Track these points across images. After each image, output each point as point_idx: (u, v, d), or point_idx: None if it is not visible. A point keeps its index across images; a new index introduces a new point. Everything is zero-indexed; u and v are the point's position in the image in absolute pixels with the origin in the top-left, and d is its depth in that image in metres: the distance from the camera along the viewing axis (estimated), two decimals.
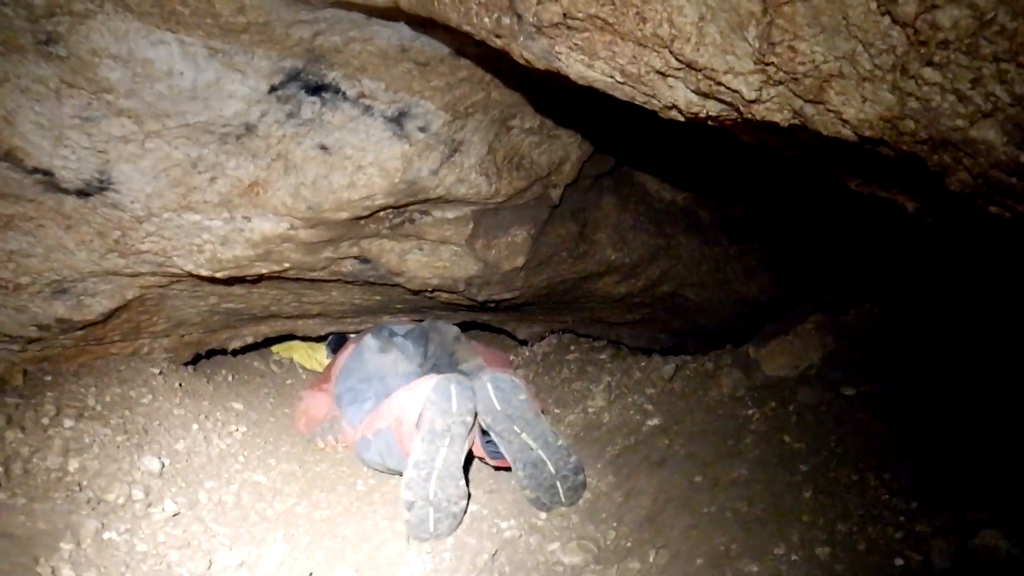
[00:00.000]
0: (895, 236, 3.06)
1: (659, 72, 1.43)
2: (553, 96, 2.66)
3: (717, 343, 4.43)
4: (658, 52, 1.39)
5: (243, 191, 2.55)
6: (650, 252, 3.56)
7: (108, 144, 2.31)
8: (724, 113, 1.47)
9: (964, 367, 2.55)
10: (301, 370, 4.68)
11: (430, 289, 3.27)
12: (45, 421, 2.64)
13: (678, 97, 1.47)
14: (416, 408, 2.71)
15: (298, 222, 2.68)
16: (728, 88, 1.35)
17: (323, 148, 2.50)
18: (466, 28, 1.73)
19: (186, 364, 3.85)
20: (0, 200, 2.42)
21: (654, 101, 1.53)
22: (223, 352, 4.07)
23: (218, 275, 2.84)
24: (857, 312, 2.85)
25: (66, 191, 2.43)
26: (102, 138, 2.29)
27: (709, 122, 1.55)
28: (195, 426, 3.16)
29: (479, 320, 4.15)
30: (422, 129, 2.54)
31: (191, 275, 2.86)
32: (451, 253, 3.10)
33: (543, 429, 2.72)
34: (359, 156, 2.53)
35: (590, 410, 3.30)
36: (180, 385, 3.43)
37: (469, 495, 2.68)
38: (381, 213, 2.81)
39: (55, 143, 2.27)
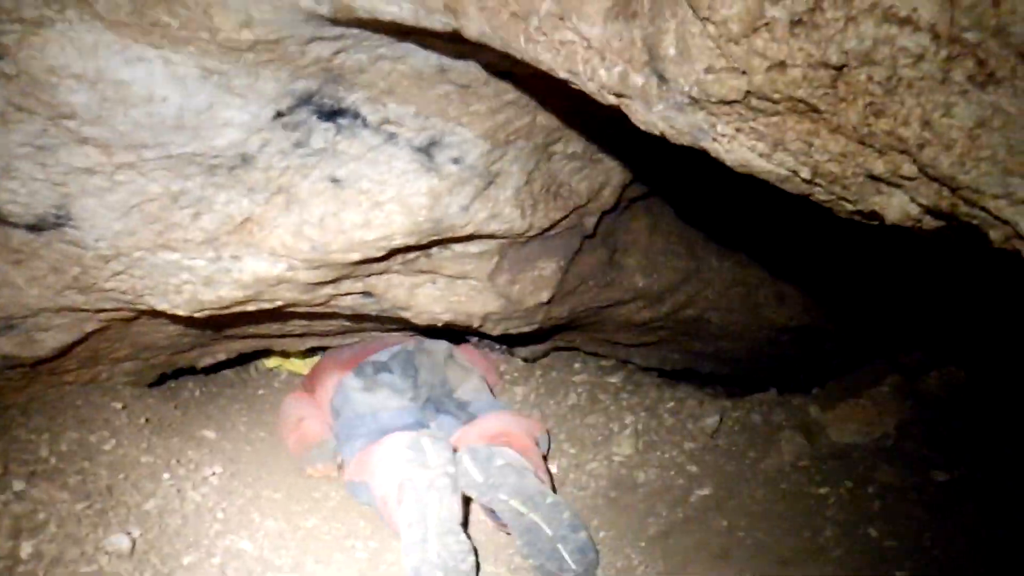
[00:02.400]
0: (971, 285, 2.71)
1: (874, 177, 1.03)
2: (596, 116, 2.26)
3: (735, 366, 4.10)
4: (885, 155, 0.98)
5: (233, 228, 2.10)
6: (680, 277, 3.18)
7: (68, 176, 1.85)
8: (937, 226, 1.07)
9: None
10: (285, 375, 4.25)
11: (439, 324, 2.85)
12: None
13: (889, 206, 1.06)
14: (393, 478, 2.50)
15: (298, 263, 2.23)
16: (992, 215, 0.94)
17: (334, 181, 2.05)
18: (563, 75, 1.30)
19: (150, 385, 3.43)
20: None
21: (844, 204, 1.12)
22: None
23: (196, 315, 2.40)
24: (940, 375, 2.50)
25: (14, 224, 1.98)
26: (60, 169, 1.83)
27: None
28: (166, 475, 2.71)
29: None
30: (456, 160, 2.10)
31: (164, 313, 2.42)
32: (469, 288, 2.67)
33: (531, 490, 2.44)
34: (377, 191, 2.09)
35: (616, 459, 2.91)
36: (146, 420, 2.98)
37: (475, 549, 2.37)
38: (398, 254, 2.37)
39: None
